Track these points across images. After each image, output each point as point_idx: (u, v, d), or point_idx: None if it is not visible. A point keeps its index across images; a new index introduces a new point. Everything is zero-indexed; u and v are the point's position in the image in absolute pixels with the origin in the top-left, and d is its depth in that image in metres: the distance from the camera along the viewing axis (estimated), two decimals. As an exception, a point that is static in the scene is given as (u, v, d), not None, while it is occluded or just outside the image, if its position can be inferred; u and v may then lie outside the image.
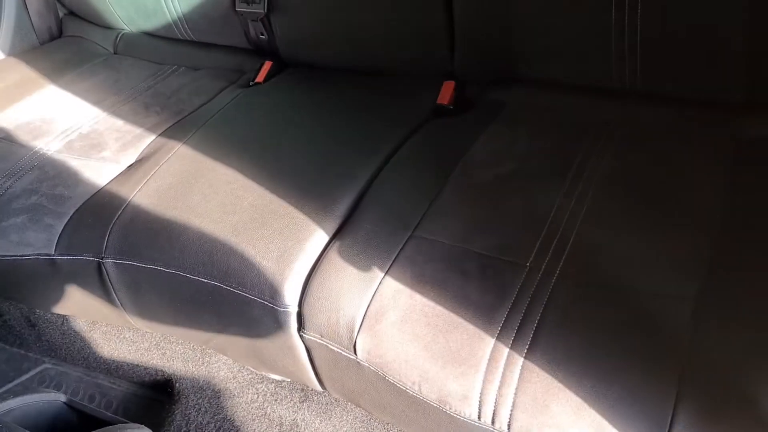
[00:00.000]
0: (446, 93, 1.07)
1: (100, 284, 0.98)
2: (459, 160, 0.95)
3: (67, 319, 1.24)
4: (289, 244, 0.86)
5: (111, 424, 0.80)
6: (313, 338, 0.82)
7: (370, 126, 1.05)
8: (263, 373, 1.08)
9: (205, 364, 1.15)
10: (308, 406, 1.07)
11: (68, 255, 0.98)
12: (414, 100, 1.10)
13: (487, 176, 0.91)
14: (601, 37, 0.95)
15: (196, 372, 1.15)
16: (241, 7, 1.24)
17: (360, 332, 0.76)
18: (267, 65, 1.27)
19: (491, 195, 0.88)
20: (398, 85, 1.14)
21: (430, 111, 1.08)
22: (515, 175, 0.91)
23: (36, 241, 0.98)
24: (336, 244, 0.85)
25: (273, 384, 1.10)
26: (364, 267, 0.81)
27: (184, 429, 1.08)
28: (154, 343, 1.20)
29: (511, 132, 1.00)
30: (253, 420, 1.09)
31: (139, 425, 0.76)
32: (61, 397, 0.83)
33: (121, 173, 1.06)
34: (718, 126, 0.93)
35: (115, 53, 1.49)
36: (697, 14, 0.88)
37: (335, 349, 0.80)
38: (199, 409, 1.10)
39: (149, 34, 1.47)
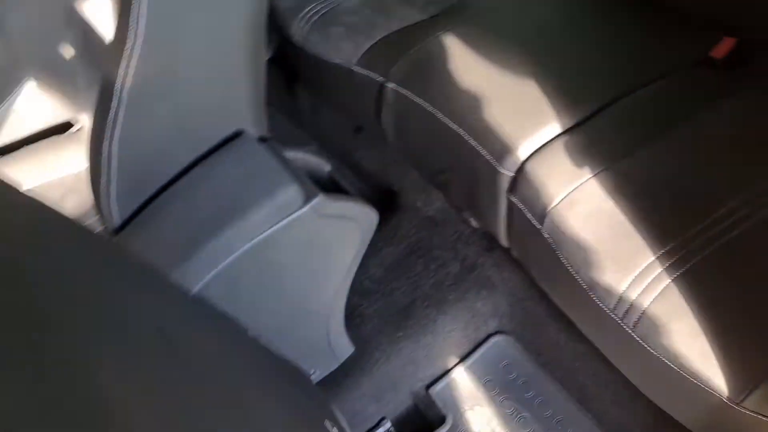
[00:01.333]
0: (723, 48, 1.12)
1: (375, 103, 1.24)
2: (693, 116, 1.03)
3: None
4: (530, 122, 1.04)
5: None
6: (515, 202, 1.02)
7: (639, 53, 1.15)
8: (467, 217, 1.31)
9: (425, 193, 1.42)
10: (490, 255, 1.30)
11: (363, 69, 1.24)
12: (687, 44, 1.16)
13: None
14: None
15: (417, 197, 1.43)
16: None
17: (552, 210, 0.95)
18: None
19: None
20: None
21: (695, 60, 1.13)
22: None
23: (346, 50, 1.26)
24: (564, 138, 1.01)
25: (470, 229, 1.34)
26: (579, 164, 0.97)
27: (397, 231, 1.37)
28: (392, 161, 1.48)
29: None
30: (444, 249, 1.35)
31: (371, 207, 1.02)
32: (327, 167, 1.13)
33: (424, 20, 1.28)
34: None
35: None
36: None
37: (528, 216, 0.99)
38: (411, 222, 1.38)
39: None
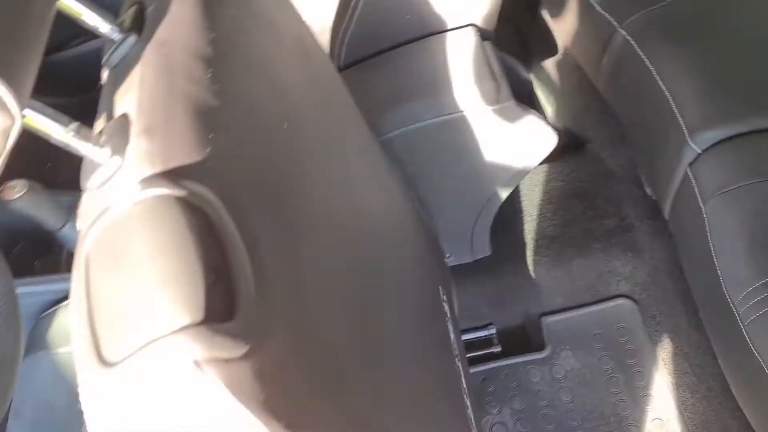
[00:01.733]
0: None
1: (602, 45, 1.28)
2: None
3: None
4: (738, 109, 1.04)
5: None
6: (691, 177, 1.04)
7: None
8: (643, 181, 1.34)
9: (612, 147, 1.45)
10: (649, 223, 1.34)
11: (602, 9, 1.28)
12: None
13: None
14: None
15: (603, 148, 1.47)
16: None
17: (720, 195, 0.97)
18: None
19: None
20: None
21: None
22: None
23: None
24: (764, 135, 1.01)
25: (642, 194, 1.37)
26: (765, 164, 0.97)
27: (571, 171, 1.44)
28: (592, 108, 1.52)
29: None
30: (608, 202, 1.40)
31: (553, 130, 1.10)
32: (530, 84, 1.21)
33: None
34: None
35: None
36: None
37: (697, 194, 1.02)
38: (587, 168, 1.44)
39: None
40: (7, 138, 0.36)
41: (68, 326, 1.14)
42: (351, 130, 0.78)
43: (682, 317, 1.24)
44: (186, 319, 0.35)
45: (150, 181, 0.40)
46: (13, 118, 0.35)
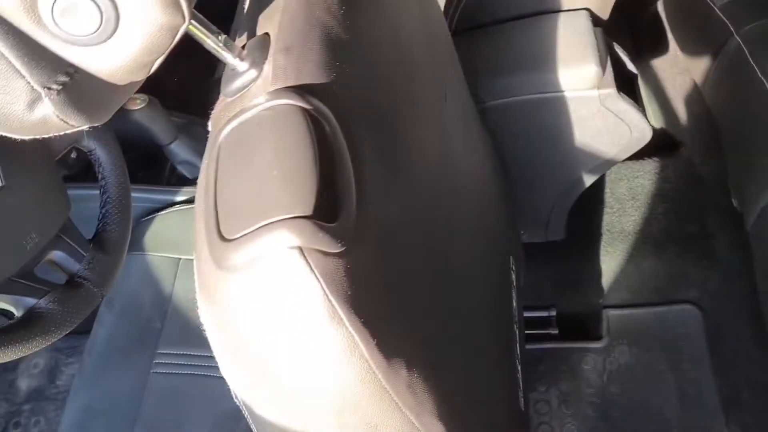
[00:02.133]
0: None
1: (715, 48, 1.26)
2: None
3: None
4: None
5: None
6: None
7: None
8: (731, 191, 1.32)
9: (707, 153, 1.44)
10: (730, 234, 1.33)
11: (722, 12, 1.26)
12: None
13: None
14: None
15: (696, 152, 1.45)
16: None
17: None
18: None
19: None
20: None
21: None
22: None
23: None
24: None
25: (728, 204, 1.35)
26: None
27: (659, 171, 1.43)
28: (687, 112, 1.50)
29: None
30: (691, 207, 1.39)
31: (650, 125, 1.11)
32: (634, 72, 1.21)
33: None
34: None
35: None
36: None
37: None
38: (677, 170, 1.43)
39: None
40: (174, 37, 0.42)
41: (162, 233, 1.24)
42: (453, 90, 0.83)
43: (747, 333, 1.23)
44: (297, 210, 0.41)
45: (282, 92, 0.46)
46: (183, 19, 0.41)
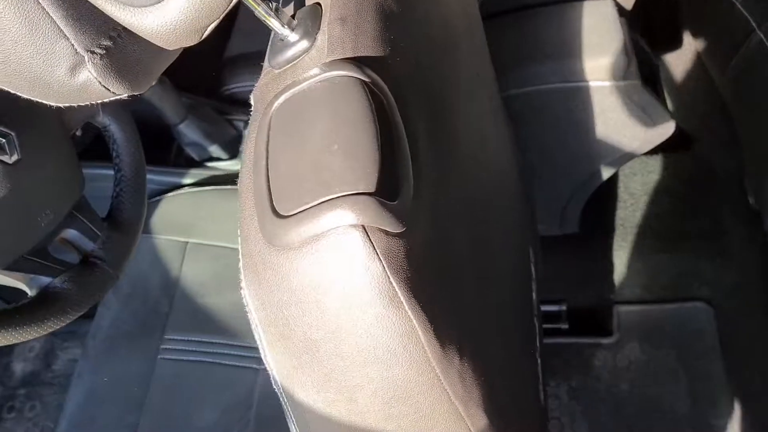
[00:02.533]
0: None
1: (735, 44, 1.25)
2: None
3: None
4: None
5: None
6: None
7: None
8: (747, 188, 1.31)
9: (725, 149, 1.42)
10: (746, 230, 1.31)
11: (743, 7, 1.24)
12: None
13: None
14: None
15: (714, 147, 1.44)
16: None
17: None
18: None
19: None
20: None
21: None
22: None
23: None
24: None
25: (743, 201, 1.34)
26: None
27: (676, 164, 1.42)
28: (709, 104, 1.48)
29: None
30: (706, 202, 1.37)
31: (672, 118, 1.09)
32: (657, 65, 1.19)
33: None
34: None
35: None
36: None
37: None
38: (694, 165, 1.42)
39: None
40: (231, 1, 0.40)
41: (169, 216, 1.21)
42: (482, 74, 0.80)
43: (760, 331, 1.22)
44: (360, 186, 0.39)
45: (339, 63, 0.43)
46: (237, -18, 0.39)
